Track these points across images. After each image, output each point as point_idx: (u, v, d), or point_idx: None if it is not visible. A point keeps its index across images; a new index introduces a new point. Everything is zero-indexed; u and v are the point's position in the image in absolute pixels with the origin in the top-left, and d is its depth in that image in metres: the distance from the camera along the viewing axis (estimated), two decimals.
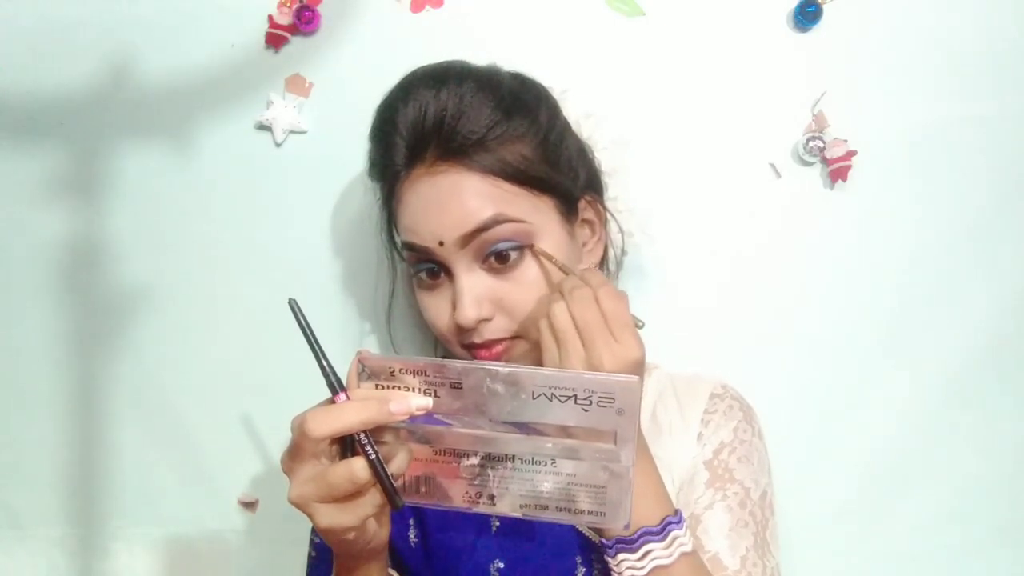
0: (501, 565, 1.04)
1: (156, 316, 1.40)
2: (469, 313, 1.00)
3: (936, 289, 1.31)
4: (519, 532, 1.04)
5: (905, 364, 1.32)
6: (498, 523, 1.05)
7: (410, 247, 1.05)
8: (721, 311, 1.33)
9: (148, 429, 1.42)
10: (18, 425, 1.44)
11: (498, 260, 1.01)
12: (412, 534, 1.09)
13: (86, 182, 1.38)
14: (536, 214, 1.02)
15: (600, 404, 0.80)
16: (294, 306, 0.82)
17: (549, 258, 1.01)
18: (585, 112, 1.18)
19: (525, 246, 1.01)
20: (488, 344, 1.03)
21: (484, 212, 0.99)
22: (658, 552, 0.91)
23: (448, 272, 1.03)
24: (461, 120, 0.99)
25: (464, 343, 1.05)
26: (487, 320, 1.02)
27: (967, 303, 1.31)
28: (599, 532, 0.95)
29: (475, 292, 1.01)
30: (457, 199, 0.99)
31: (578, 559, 1.03)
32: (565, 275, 1.00)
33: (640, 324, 0.93)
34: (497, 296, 1.02)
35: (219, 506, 1.43)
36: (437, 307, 1.06)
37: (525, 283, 1.02)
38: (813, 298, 1.32)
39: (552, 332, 0.93)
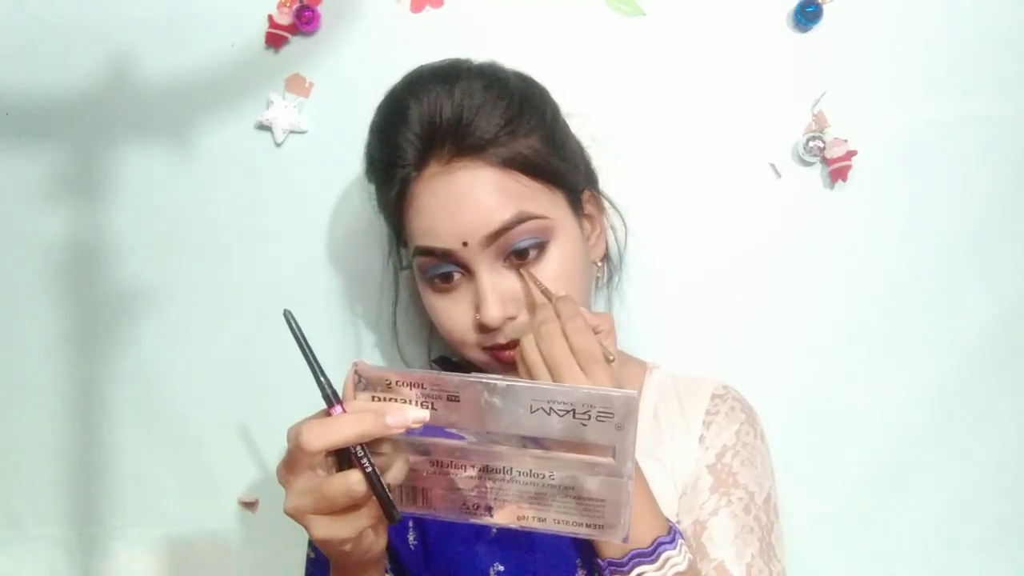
0: (501, 568, 1.04)
1: (156, 316, 1.39)
2: (495, 312, 0.99)
3: (936, 289, 1.31)
4: (519, 536, 1.03)
5: (905, 364, 1.32)
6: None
7: (427, 251, 1.02)
8: (721, 311, 1.33)
9: (148, 429, 1.42)
10: (18, 425, 1.44)
11: (518, 257, 1.00)
12: (412, 537, 1.09)
13: (86, 182, 1.37)
14: (554, 209, 1.02)
15: (599, 419, 0.79)
16: (289, 318, 0.82)
17: (534, 280, 1.00)
18: (568, 111, 1.15)
19: (545, 242, 1.01)
20: (513, 344, 1.02)
21: (507, 210, 0.98)
22: (651, 575, 0.91)
23: (466, 273, 1.02)
24: (477, 116, 0.98)
25: (486, 345, 1.04)
26: (512, 319, 1.01)
27: (967, 303, 1.31)
28: (596, 549, 0.95)
29: (499, 291, 1.00)
30: (477, 196, 0.98)
31: (578, 562, 1.03)
32: (547, 299, 0.98)
33: (610, 358, 0.92)
34: (520, 293, 1.02)
35: (219, 506, 1.43)
36: (454, 311, 1.05)
37: (546, 278, 1.00)
38: (813, 298, 1.32)
39: (524, 365, 0.93)
